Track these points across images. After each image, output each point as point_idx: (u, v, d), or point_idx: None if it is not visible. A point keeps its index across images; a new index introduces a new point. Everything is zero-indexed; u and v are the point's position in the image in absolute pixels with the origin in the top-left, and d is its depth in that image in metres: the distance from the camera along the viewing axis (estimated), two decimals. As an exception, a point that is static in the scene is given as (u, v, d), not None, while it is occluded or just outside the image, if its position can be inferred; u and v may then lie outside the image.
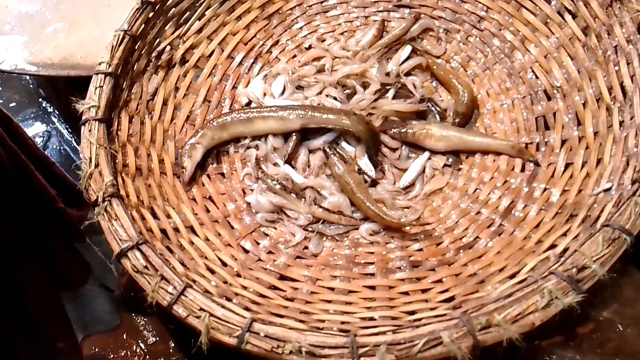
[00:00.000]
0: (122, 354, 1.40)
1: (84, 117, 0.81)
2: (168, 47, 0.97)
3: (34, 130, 1.91)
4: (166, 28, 0.97)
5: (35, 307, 0.91)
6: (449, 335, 0.58)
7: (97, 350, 1.42)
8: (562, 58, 0.90)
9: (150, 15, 0.92)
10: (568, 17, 0.91)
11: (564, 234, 0.72)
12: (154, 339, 1.41)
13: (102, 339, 1.43)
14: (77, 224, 0.99)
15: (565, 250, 0.68)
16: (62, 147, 1.86)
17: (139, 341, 1.42)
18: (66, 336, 0.97)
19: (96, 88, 0.83)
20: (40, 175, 0.95)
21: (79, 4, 1.24)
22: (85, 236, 1.01)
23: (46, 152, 1.84)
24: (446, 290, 0.73)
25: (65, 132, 1.87)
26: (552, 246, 0.72)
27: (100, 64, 0.85)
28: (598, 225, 0.67)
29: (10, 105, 1.98)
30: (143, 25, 0.91)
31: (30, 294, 0.90)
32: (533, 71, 0.93)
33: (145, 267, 0.67)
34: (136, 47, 0.91)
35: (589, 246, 0.62)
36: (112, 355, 1.41)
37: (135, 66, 0.92)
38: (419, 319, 0.66)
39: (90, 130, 0.79)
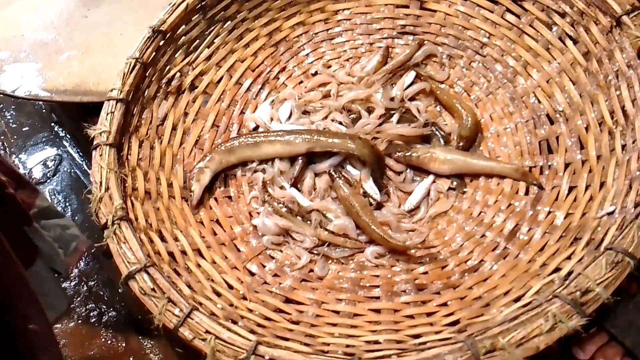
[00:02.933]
0: (129, 377, 1.41)
1: (95, 142, 0.83)
2: (178, 74, 1.00)
3: (46, 154, 1.95)
4: (176, 55, 1.00)
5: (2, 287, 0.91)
6: (453, 358, 0.58)
7: (103, 373, 1.42)
8: (564, 82, 0.91)
9: (161, 43, 0.95)
10: (569, 42, 0.92)
11: (568, 257, 0.72)
12: (161, 363, 1.42)
13: (108, 361, 1.44)
14: (25, 208, 1.01)
15: (569, 273, 0.68)
16: (73, 171, 1.90)
17: (146, 364, 1.42)
18: (37, 317, 0.97)
19: (107, 114, 0.86)
20: None
21: (92, 33, 1.28)
22: (33, 220, 1.03)
23: (57, 175, 1.89)
24: (451, 314, 0.73)
25: (76, 155, 1.91)
26: (557, 269, 0.72)
27: (112, 90, 0.88)
28: (602, 248, 0.67)
29: (24, 129, 2.03)
30: (154, 53, 0.94)
31: None
32: (535, 95, 0.95)
33: (153, 289, 0.68)
34: (147, 74, 0.94)
35: (593, 269, 0.63)
36: (118, 379, 1.41)
37: (146, 92, 0.94)
38: (424, 343, 0.66)
39: (101, 155, 0.81)
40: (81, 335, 1.51)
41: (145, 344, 1.45)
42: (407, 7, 1.10)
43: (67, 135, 1.95)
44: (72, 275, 1.57)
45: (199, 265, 0.80)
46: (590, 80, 0.88)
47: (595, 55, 0.87)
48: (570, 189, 0.83)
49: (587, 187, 0.81)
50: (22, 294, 0.94)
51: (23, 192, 1.02)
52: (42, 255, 1.06)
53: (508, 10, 1.00)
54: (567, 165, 0.86)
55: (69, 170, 1.90)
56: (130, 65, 0.90)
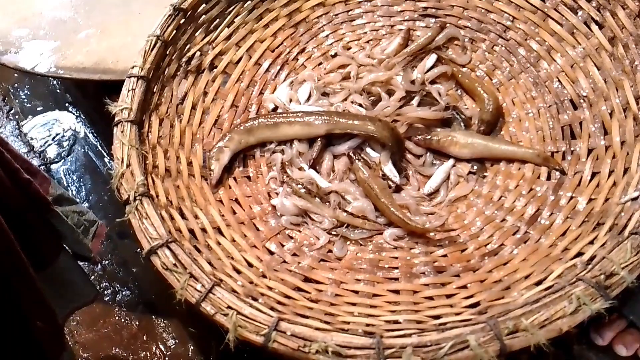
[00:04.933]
0: (142, 355, 1.42)
1: (116, 119, 0.83)
2: (198, 53, 0.99)
3: (60, 134, 1.96)
4: (196, 34, 0.99)
5: (8, 285, 0.91)
6: (476, 338, 0.58)
7: (117, 350, 1.44)
8: (588, 68, 0.90)
9: (182, 21, 0.95)
10: (594, 27, 0.91)
11: (591, 242, 0.72)
12: (174, 342, 1.43)
13: (121, 342, 1.45)
14: (43, 195, 0.99)
15: (592, 257, 0.68)
16: (86, 151, 1.91)
17: (159, 343, 1.43)
18: (44, 314, 0.98)
19: (129, 91, 0.86)
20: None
21: (110, 12, 1.28)
22: (53, 205, 1.01)
23: (71, 156, 1.90)
24: (471, 296, 0.73)
25: (90, 136, 1.91)
26: (579, 254, 0.71)
27: (132, 67, 0.88)
28: (626, 233, 0.66)
29: (38, 109, 2.04)
30: (174, 32, 0.93)
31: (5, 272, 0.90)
32: (559, 80, 0.94)
33: (175, 264, 0.68)
34: (167, 53, 0.93)
35: (617, 254, 0.62)
36: (132, 357, 1.43)
37: (166, 71, 0.94)
38: (444, 323, 0.66)
39: (122, 132, 0.81)
40: (95, 313, 1.52)
41: (159, 323, 1.47)
42: (429, -11, 1.09)
43: (82, 116, 1.95)
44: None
45: (219, 243, 0.81)
46: (615, 66, 0.86)
47: (621, 41, 0.86)
48: (593, 174, 0.83)
49: (610, 173, 0.80)
50: (30, 293, 0.94)
51: (35, 180, 1.01)
52: (67, 242, 1.06)
53: (533, -7, 0.99)
54: (590, 151, 0.85)
55: (82, 151, 1.91)
56: (151, 43, 0.90)
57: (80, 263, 1.16)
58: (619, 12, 0.86)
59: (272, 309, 0.67)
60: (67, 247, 1.08)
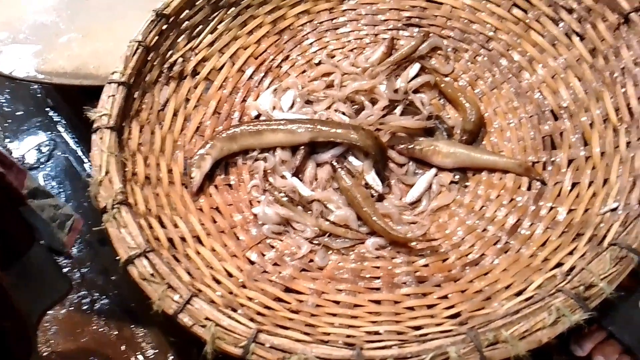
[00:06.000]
0: (121, 365, 1.40)
1: (95, 125, 0.82)
2: (180, 59, 0.98)
3: (40, 139, 1.93)
4: (179, 40, 0.98)
5: None
6: (456, 350, 0.58)
7: (94, 360, 1.41)
8: (569, 79, 0.91)
9: (164, 27, 0.94)
10: (575, 39, 0.92)
11: (571, 253, 0.72)
12: (154, 351, 1.41)
13: (100, 351, 1.43)
14: (17, 187, 0.98)
15: (572, 268, 0.68)
16: (67, 157, 1.88)
17: (138, 353, 1.41)
18: (11, 314, 0.96)
19: (109, 97, 0.84)
20: None
21: (94, 16, 1.26)
22: (26, 199, 1.00)
23: (51, 161, 1.87)
24: (452, 307, 0.73)
25: (71, 141, 1.88)
26: (559, 264, 0.72)
27: (113, 73, 0.86)
28: (605, 244, 0.67)
29: (17, 113, 2.00)
30: (157, 37, 0.92)
31: None
32: (540, 91, 0.94)
33: (152, 274, 0.67)
34: (149, 58, 0.92)
35: (597, 264, 0.62)
36: (110, 367, 1.40)
37: (148, 77, 0.93)
38: (425, 334, 0.66)
39: (101, 138, 0.80)
40: (73, 322, 1.49)
41: (138, 332, 1.44)
42: (413, -2, 1.10)
43: (63, 121, 1.92)
44: (65, 261, 1.55)
45: (198, 252, 0.79)
46: (596, 77, 0.87)
47: (601, 52, 0.87)
48: (573, 185, 0.83)
49: (590, 184, 0.81)
50: None
51: (10, 172, 0.99)
52: (41, 235, 1.04)
53: (515, 4, 1.00)
54: (570, 162, 0.86)
55: (63, 157, 1.88)
56: (133, 48, 0.88)
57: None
58: (599, 24, 0.88)
59: (251, 320, 0.66)
60: (41, 241, 1.06)
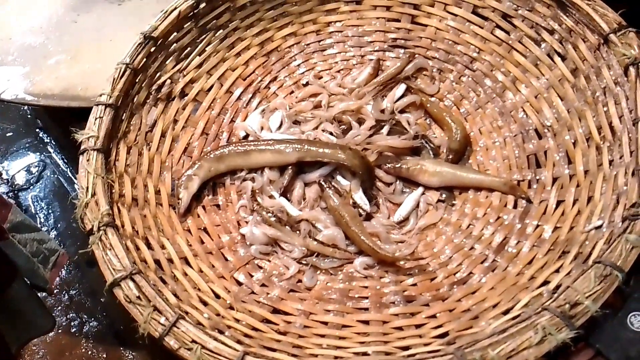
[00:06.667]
0: (109, 388, 1.37)
1: (82, 147, 0.82)
2: (168, 81, 0.99)
3: (29, 160, 1.92)
4: (167, 62, 0.99)
5: None
6: (443, 370, 0.57)
7: (82, 384, 1.39)
8: (552, 98, 0.93)
9: (152, 49, 0.95)
10: (557, 59, 0.93)
11: (557, 270, 0.73)
12: (142, 374, 1.39)
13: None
14: None
15: (558, 286, 0.68)
16: (56, 177, 1.87)
17: (127, 376, 1.39)
18: None
19: (96, 119, 0.85)
20: None
21: (82, 38, 1.27)
22: (8, 234, 0.98)
23: (40, 182, 1.86)
24: (440, 326, 0.73)
25: (60, 162, 1.88)
26: (545, 282, 0.72)
27: (101, 95, 0.87)
28: (590, 262, 0.67)
29: (7, 135, 2.00)
30: (145, 59, 0.93)
31: None
32: (524, 110, 0.96)
33: (138, 297, 0.67)
34: (137, 80, 0.93)
35: (582, 282, 0.63)
36: (98, 390, 1.38)
37: (136, 98, 0.93)
38: (413, 355, 0.65)
39: (88, 160, 0.80)
40: (61, 345, 1.47)
41: (127, 355, 1.42)
42: (398, 20, 1.11)
43: (52, 142, 1.92)
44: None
45: (185, 274, 0.79)
46: (578, 97, 0.89)
47: (583, 72, 0.89)
48: (558, 203, 0.84)
49: (574, 202, 0.82)
50: None
51: None
52: (22, 271, 1.03)
53: (497, 26, 1.02)
54: (555, 180, 0.87)
55: (52, 177, 1.87)
56: (120, 70, 0.89)
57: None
58: (580, 45, 0.89)
59: (238, 342, 0.66)
60: (22, 277, 1.05)
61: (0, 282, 0.98)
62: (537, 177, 0.89)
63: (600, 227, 0.73)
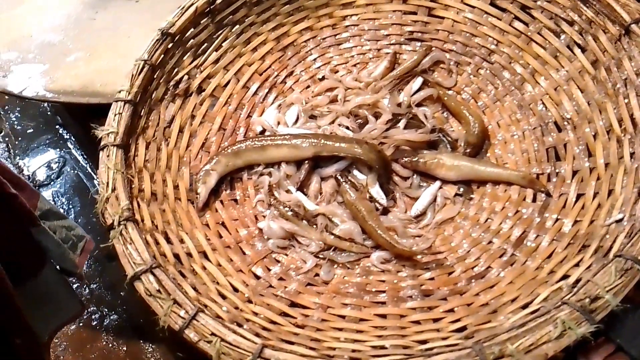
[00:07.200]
0: (129, 381, 1.40)
1: (102, 143, 0.83)
2: (186, 77, 1.00)
3: (50, 156, 1.95)
4: (184, 58, 1.00)
5: None
6: (461, 364, 0.57)
7: (102, 376, 1.41)
8: (572, 90, 0.91)
9: (170, 46, 0.96)
10: (577, 50, 0.92)
11: (577, 265, 0.72)
12: (161, 367, 1.41)
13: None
14: (30, 208, 0.98)
15: (577, 280, 0.68)
16: (76, 173, 1.90)
17: (146, 369, 1.41)
18: (23, 331, 0.96)
19: (115, 115, 0.86)
20: None
21: (100, 35, 1.29)
22: (39, 220, 1.00)
23: (61, 178, 1.89)
24: (458, 320, 0.73)
25: (80, 158, 1.90)
26: (565, 276, 0.71)
27: (120, 91, 0.88)
28: (610, 255, 0.66)
29: (28, 131, 2.03)
30: (162, 56, 0.94)
31: None
32: (543, 103, 0.95)
33: (158, 290, 0.68)
34: (155, 76, 0.94)
35: (602, 276, 0.62)
36: (118, 383, 1.40)
37: (154, 94, 0.94)
38: (431, 349, 0.65)
39: (108, 156, 0.81)
40: (82, 338, 1.50)
41: (146, 348, 1.44)
42: (415, 13, 1.11)
43: (72, 138, 1.95)
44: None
45: (204, 268, 0.80)
46: (599, 89, 0.87)
47: (603, 64, 0.87)
48: (578, 196, 0.83)
49: (595, 195, 0.81)
50: (7, 309, 0.92)
51: (23, 194, 1.00)
52: (52, 256, 1.05)
53: (516, 17, 1.00)
54: (574, 173, 0.86)
55: (72, 173, 1.90)
56: (138, 67, 0.90)
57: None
58: (601, 36, 0.88)
59: (257, 335, 0.67)
60: (52, 262, 1.07)
61: (32, 267, 1.01)
62: (557, 171, 0.88)
63: (621, 220, 0.72)
